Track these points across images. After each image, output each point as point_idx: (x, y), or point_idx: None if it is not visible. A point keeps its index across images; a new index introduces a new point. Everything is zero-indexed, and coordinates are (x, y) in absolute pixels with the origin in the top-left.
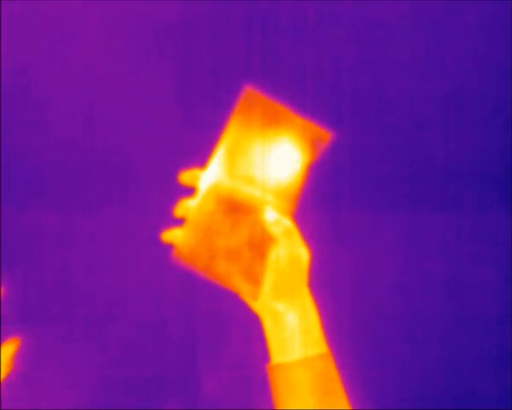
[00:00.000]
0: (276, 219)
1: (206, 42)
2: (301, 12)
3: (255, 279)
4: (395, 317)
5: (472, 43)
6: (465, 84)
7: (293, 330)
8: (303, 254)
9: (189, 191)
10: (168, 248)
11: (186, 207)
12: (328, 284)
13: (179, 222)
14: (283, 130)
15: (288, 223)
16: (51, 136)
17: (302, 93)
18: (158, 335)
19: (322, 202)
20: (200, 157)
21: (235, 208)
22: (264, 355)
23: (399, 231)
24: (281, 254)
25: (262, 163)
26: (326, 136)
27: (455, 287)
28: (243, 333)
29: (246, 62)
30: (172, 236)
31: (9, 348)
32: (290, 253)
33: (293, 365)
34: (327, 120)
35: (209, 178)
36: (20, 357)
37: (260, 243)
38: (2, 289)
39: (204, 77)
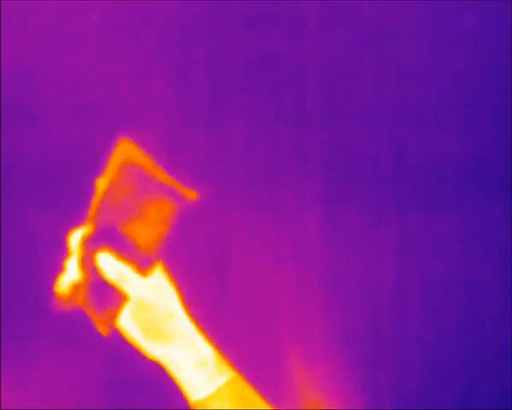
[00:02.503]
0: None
1: (205, 41)
2: (301, 12)
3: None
4: (395, 317)
5: (473, 43)
6: (465, 84)
7: (193, 368)
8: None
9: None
10: (168, 248)
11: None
12: (327, 285)
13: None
14: (151, 184)
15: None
16: (50, 136)
17: (301, 92)
18: None
19: (323, 201)
20: (199, 157)
21: None
22: (263, 355)
23: (399, 231)
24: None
25: (129, 211)
26: (191, 194)
27: (454, 287)
28: (242, 333)
29: (245, 62)
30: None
31: None
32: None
33: (209, 398)
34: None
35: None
36: (18, 357)
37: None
38: None
39: (203, 77)
